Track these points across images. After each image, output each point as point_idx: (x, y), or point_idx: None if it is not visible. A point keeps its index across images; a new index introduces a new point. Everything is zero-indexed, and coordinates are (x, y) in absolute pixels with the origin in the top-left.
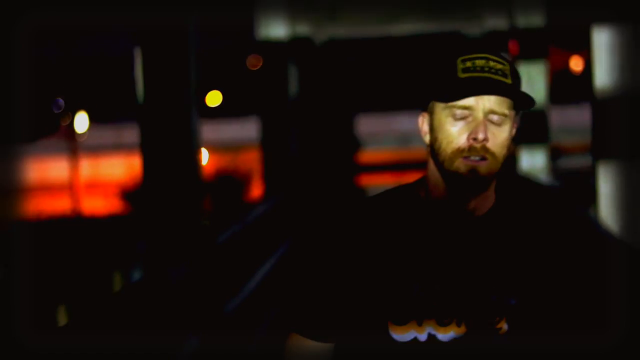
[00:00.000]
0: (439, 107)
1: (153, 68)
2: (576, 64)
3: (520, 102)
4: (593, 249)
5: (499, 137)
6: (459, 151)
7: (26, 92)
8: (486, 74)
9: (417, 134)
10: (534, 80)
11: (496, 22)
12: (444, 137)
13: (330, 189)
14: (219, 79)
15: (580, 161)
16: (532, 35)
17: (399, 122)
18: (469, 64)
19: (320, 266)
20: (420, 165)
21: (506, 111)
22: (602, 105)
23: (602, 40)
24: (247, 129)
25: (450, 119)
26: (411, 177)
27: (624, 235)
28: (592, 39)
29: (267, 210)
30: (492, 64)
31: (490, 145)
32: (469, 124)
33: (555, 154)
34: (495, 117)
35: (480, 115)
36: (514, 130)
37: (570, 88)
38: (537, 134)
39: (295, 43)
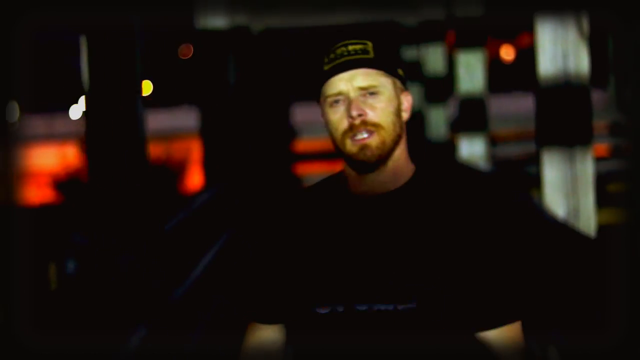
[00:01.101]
0: (321, 101)
1: (98, 57)
2: (507, 52)
3: (386, 70)
4: (526, 231)
5: (378, 107)
6: (345, 133)
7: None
8: (344, 58)
9: None
10: (473, 69)
11: (433, 12)
12: (331, 126)
13: (269, 177)
14: (150, 69)
15: (513, 149)
16: (471, 25)
17: None
18: (332, 55)
19: (258, 253)
20: None
21: (376, 82)
22: (545, 94)
23: (545, 28)
24: (179, 119)
25: (330, 109)
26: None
27: (568, 221)
28: (535, 28)
29: (209, 199)
30: (350, 47)
31: (371, 117)
32: (345, 107)
33: (491, 142)
34: (368, 92)
35: (351, 94)
36: (405, 99)
37: (501, 77)
38: (476, 122)
39: (233, 32)
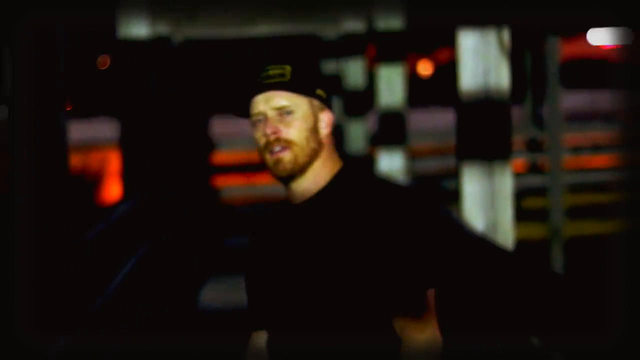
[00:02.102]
0: (250, 122)
1: (21, 65)
2: (425, 67)
3: (301, 91)
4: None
5: (293, 126)
6: (264, 149)
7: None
8: (264, 81)
9: None
10: (393, 83)
11: (354, 25)
12: (256, 142)
13: (188, 188)
14: (69, 79)
15: (431, 164)
16: (391, 39)
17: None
18: (258, 79)
19: (244, 266)
20: None
21: (289, 103)
22: (466, 108)
23: (467, 43)
24: (97, 129)
25: (254, 128)
26: (262, 178)
27: (488, 235)
28: (457, 43)
29: (128, 209)
30: (271, 72)
31: (285, 135)
32: (264, 125)
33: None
34: (283, 112)
35: (269, 114)
36: (323, 117)
37: (419, 92)
38: (395, 136)
39: (155, 43)
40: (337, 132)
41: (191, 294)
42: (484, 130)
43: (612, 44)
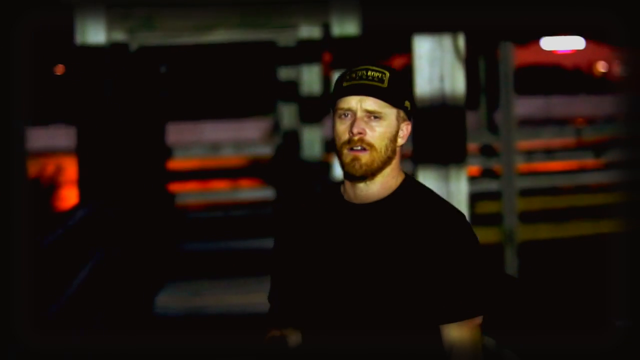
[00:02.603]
0: (334, 112)
1: None
2: None
3: (393, 102)
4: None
5: (377, 131)
6: (344, 144)
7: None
8: (362, 81)
9: (226, 141)
10: None
11: (310, 32)
12: (336, 134)
13: (144, 195)
14: (27, 86)
15: None
16: (347, 45)
17: (209, 130)
18: (353, 74)
19: (278, 249)
20: (230, 172)
21: (381, 109)
22: (422, 114)
23: (422, 49)
24: (52, 136)
25: (338, 120)
26: (219, 184)
27: None
28: (412, 49)
29: (84, 216)
30: (370, 73)
31: (368, 137)
32: (351, 122)
33: None
34: (372, 115)
35: (358, 114)
36: (404, 127)
37: None
38: None
39: (111, 50)
40: (293, 138)
41: (147, 299)
42: (439, 135)
43: (564, 49)
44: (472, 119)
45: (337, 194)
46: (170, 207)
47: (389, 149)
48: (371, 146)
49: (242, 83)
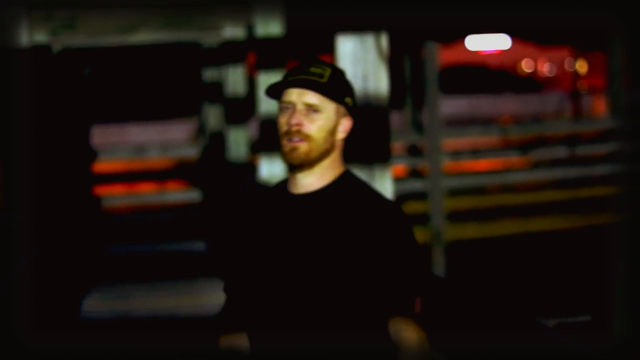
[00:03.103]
0: (279, 104)
1: None
2: None
3: (332, 97)
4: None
5: (315, 123)
6: (284, 134)
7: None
8: (303, 76)
9: (152, 143)
10: None
11: (234, 32)
12: (278, 125)
13: (68, 198)
14: None
15: None
16: (271, 45)
17: (135, 132)
18: (297, 70)
19: (228, 244)
20: (156, 174)
21: (319, 103)
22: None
23: (345, 49)
24: None
25: (281, 112)
26: (145, 187)
27: None
28: (335, 48)
29: (7, 219)
30: (312, 69)
31: (306, 129)
32: (290, 114)
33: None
34: (311, 108)
35: (298, 106)
36: (344, 122)
37: None
38: (276, 142)
39: (33, 52)
40: (218, 139)
41: (73, 303)
42: (363, 135)
43: (489, 49)
44: (398, 118)
45: (284, 186)
46: (96, 211)
47: (327, 141)
48: (308, 137)
49: (167, 84)
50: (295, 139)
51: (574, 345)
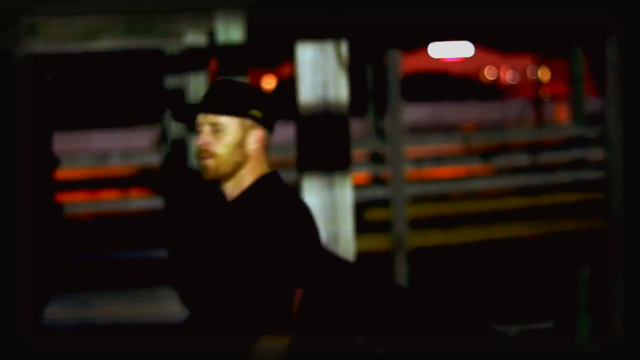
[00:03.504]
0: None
1: None
2: (268, 82)
3: (233, 113)
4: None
5: (220, 141)
6: (196, 155)
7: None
8: (205, 99)
9: (115, 151)
10: None
11: (196, 39)
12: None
13: (30, 206)
14: None
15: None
16: (232, 52)
17: (98, 139)
18: (204, 95)
19: (176, 243)
20: (119, 182)
21: (220, 122)
22: (305, 122)
23: (305, 57)
24: None
25: (197, 135)
26: (109, 194)
27: (328, 246)
28: (295, 56)
29: None
30: (212, 91)
31: (212, 147)
32: (199, 136)
33: None
34: (214, 127)
35: (204, 128)
36: (254, 134)
37: None
38: None
39: None
40: (180, 147)
41: (36, 310)
42: (323, 143)
43: (452, 57)
44: (361, 126)
45: (223, 194)
46: (58, 218)
47: (236, 154)
48: (214, 155)
49: (130, 91)
50: (204, 157)
51: (528, 350)
